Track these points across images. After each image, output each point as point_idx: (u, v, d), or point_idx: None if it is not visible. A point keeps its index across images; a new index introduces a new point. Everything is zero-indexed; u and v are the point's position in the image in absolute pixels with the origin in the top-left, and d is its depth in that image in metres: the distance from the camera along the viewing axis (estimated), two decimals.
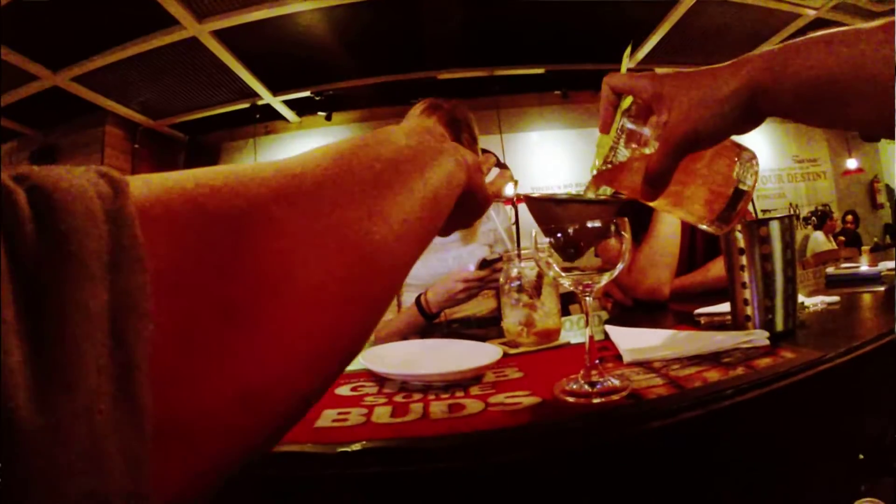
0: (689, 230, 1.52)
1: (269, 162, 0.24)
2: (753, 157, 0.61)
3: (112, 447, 0.15)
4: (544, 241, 0.63)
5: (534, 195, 0.64)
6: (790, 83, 0.51)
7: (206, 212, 0.20)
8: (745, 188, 0.60)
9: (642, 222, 1.36)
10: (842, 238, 6.29)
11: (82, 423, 0.15)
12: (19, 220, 0.15)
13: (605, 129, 0.62)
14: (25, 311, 0.14)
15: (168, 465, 0.18)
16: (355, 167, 0.27)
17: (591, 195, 0.64)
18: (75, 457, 0.14)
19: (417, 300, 1.35)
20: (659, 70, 0.61)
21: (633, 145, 0.60)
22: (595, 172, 0.63)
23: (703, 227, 0.63)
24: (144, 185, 0.19)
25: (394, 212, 0.27)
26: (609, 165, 0.61)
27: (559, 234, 0.60)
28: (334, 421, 0.58)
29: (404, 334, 1.34)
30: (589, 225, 0.61)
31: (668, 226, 1.33)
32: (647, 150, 0.59)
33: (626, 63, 0.67)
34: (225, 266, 0.19)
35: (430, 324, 1.37)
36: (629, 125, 0.60)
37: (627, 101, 0.60)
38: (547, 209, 0.64)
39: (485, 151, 1.48)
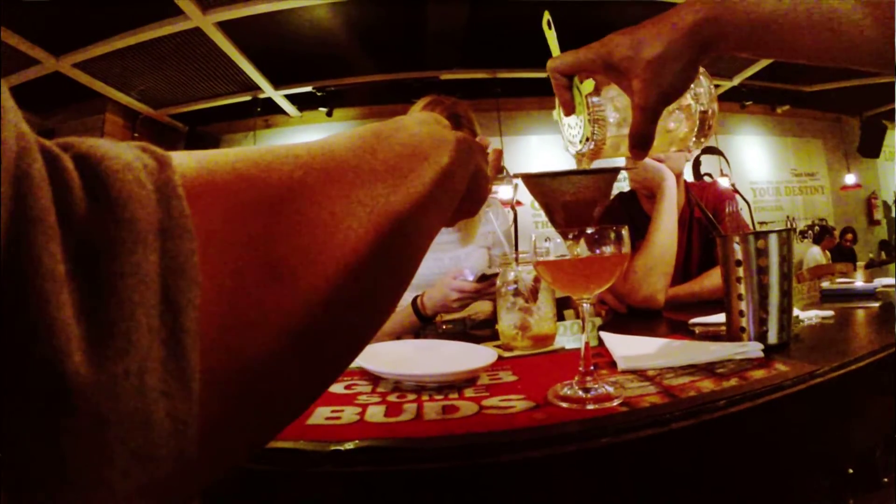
0: (685, 240, 1.52)
1: (297, 143, 0.26)
2: (701, 72, 0.65)
3: (160, 408, 0.16)
4: (544, 245, 0.63)
5: (529, 172, 0.65)
6: (738, 27, 0.53)
7: (249, 181, 0.21)
8: (704, 104, 0.65)
9: (639, 230, 1.37)
10: (827, 253, 6.30)
11: (133, 383, 0.15)
12: (68, 184, 0.15)
13: (570, 111, 0.64)
14: (77, 270, 0.15)
15: (218, 415, 0.18)
16: (377, 150, 0.29)
17: (585, 166, 0.66)
18: (124, 415, 0.15)
19: (413, 302, 1.35)
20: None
21: (607, 118, 0.62)
22: (576, 152, 0.65)
23: (684, 150, 0.68)
24: (187, 158, 0.20)
25: (414, 189, 0.29)
26: (591, 145, 0.62)
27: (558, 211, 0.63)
28: (327, 419, 0.58)
29: (398, 334, 1.34)
30: (587, 197, 0.63)
31: (664, 234, 1.33)
32: (621, 117, 0.62)
33: (554, 39, 0.68)
34: (270, 229, 0.21)
35: (424, 325, 1.37)
36: (595, 100, 0.62)
37: (590, 84, 0.61)
38: (543, 184, 0.65)
39: None
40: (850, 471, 0.66)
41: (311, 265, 0.22)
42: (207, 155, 0.21)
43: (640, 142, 0.60)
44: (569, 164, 0.69)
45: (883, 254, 6.96)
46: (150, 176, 0.17)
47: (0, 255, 0.13)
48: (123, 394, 0.15)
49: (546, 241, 0.63)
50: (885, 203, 7.42)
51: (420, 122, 0.37)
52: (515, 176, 0.67)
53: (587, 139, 0.63)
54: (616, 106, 0.62)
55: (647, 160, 1.40)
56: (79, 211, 0.15)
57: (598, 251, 0.60)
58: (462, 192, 0.41)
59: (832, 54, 0.52)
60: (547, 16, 0.68)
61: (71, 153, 0.16)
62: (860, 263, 5.66)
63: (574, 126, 0.65)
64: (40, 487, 0.14)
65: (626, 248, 0.61)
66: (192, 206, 0.18)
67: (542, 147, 5.93)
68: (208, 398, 0.17)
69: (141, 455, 0.15)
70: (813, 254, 6.26)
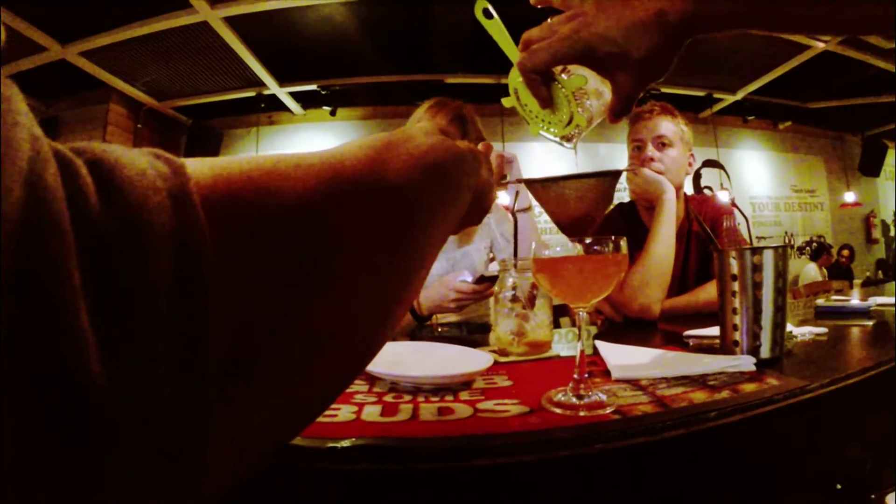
0: (683, 252, 1.53)
1: (310, 153, 0.26)
2: None
3: (175, 419, 0.16)
4: (544, 252, 0.64)
5: (533, 178, 0.66)
6: (726, 14, 0.53)
7: (264, 190, 0.21)
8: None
9: (638, 241, 1.37)
10: (824, 270, 6.31)
11: (150, 394, 0.15)
12: (83, 190, 0.15)
13: (548, 106, 0.64)
14: (91, 277, 0.14)
15: (235, 425, 0.18)
16: (387, 160, 0.29)
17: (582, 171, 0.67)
18: (140, 426, 0.15)
19: None
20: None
21: (589, 106, 0.63)
22: (558, 136, 0.65)
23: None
24: (201, 166, 0.20)
25: (423, 198, 0.30)
26: (577, 130, 0.64)
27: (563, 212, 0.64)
28: (324, 416, 0.58)
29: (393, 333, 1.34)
30: (590, 199, 0.64)
31: (662, 246, 1.34)
32: (595, 92, 0.63)
33: (498, 29, 0.67)
34: (284, 237, 0.21)
35: (420, 325, 1.38)
36: (575, 92, 0.62)
37: (581, 80, 0.62)
38: (547, 188, 0.66)
39: None
40: (839, 486, 0.67)
41: (326, 271, 0.22)
42: (221, 163, 0.21)
43: (620, 116, 0.62)
44: (570, 163, 0.70)
45: (880, 273, 6.97)
46: (165, 183, 0.17)
47: (13, 261, 0.13)
48: (140, 404, 0.15)
49: (546, 249, 0.64)
50: (883, 222, 7.44)
51: (427, 133, 0.37)
52: (519, 181, 0.68)
53: (572, 131, 0.63)
54: (591, 87, 0.63)
55: (648, 172, 1.41)
56: (93, 217, 0.15)
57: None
58: (468, 202, 0.41)
59: (816, 23, 0.52)
60: (483, 3, 0.66)
61: (84, 158, 0.16)
62: (857, 281, 5.67)
63: (547, 118, 0.65)
64: (50, 499, 0.13)
65: (624, 257, 0.62)
66: (206, 214, 0.18)
67: (546, 153, 5.93)
68: (225, 407, 0.17)
69: (158, 468, 0.15)
70: (808, 270, 6.27)
